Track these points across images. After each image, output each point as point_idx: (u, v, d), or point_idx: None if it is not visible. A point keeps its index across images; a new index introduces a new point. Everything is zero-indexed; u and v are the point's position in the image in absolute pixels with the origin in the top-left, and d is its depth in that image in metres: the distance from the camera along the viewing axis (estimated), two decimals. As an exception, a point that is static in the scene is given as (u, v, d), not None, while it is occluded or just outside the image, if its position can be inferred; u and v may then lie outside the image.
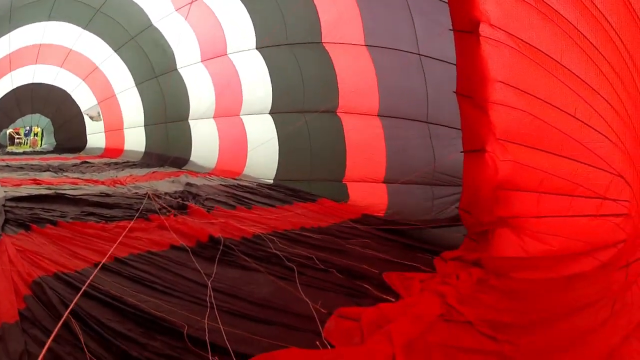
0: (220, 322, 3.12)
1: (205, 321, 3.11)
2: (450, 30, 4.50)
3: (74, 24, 12.48)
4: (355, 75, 7.98)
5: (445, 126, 7.39)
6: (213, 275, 4.07)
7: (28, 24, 11.97)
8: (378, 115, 7.81)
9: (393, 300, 3.66)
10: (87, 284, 3.54)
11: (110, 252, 4.41)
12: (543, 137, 4.40)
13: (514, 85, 4.29)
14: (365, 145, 8.02)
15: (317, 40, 8.23)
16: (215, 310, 3.31)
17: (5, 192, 7.36)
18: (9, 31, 11.76)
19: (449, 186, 7.30)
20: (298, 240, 5.39)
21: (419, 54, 7.43)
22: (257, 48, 9.44)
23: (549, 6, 4.18)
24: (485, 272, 3.98)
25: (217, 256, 4.61)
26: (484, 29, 4.13)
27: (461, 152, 4.65)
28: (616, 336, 2.94)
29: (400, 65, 7.63)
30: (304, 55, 8.68)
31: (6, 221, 5.53)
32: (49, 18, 11.96)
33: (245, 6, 9.23)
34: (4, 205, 6.25)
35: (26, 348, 2.71)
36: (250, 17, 9.29)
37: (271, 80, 9.46)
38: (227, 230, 5.67)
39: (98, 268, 3.95)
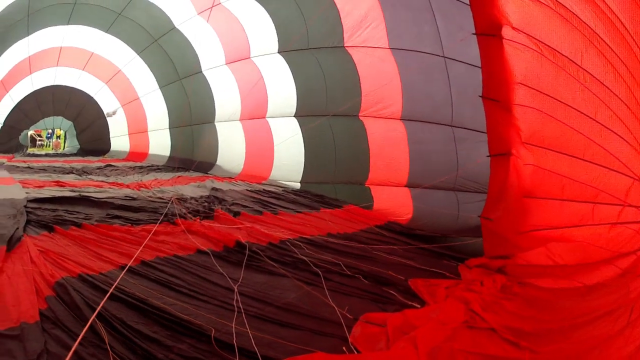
0: (247, 326, 3.19)
1: (233, 325, 3.19)
2: (473, 34, 4.58)
3: (94, 27, 12.74)
4: (379, 79, 8.00)
5: (470, 129, 7.41)
6: (240, 280, 4.13)
7: (47, 27, 12.28)
8: (401, 119, 7.86)
9: (418, 306, 3.76)
10: (114, 285, 3.64)
11: (136, 255, 4.51)
12: (566, 140, 4.45)
13: (537, 88, 4.36)
14: (388, 148, 8.07)
15: (339, 44, 8.33)
16: (243, 314, 3.40)
17: (27, 193, 7.49)
18: (28, 34, 12.06)
19: (473, 193, 7.32)
20: (325, 246, 5.48)
21: (443, 56, 7.44)
22: (279, 52, 9.56)
23: (566, 8, 4.27)
24: (509, 279, 4.08)
25: (244, 261, 4.69)
26: (506, 32, 4.22)
27: (487, 156, 4.70)
28: (632, 344, 3.02)
29: (424, 68, 7.64)
30: (326, 59, 8.79)
31: (28, 222, 5.64)
32: (69, 22, 12.22)
33: (267, 10, 9.37)
34: (25, 207, 6.35)
35: (46, 348, 2.81)
36: (272, 20, 9.44)
37: (295, 84, 9.56)
38: (254, 235, 5.75)
39: (125, 270, 4.07)
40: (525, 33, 4.30)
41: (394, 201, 7.84)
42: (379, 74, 8.02)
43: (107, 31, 12.75)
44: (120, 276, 3.86)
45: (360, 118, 8.29)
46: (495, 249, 4.76)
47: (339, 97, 8.70)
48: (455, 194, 7.40)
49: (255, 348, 2.91)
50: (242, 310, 3.47)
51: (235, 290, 3.86)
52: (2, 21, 10.71)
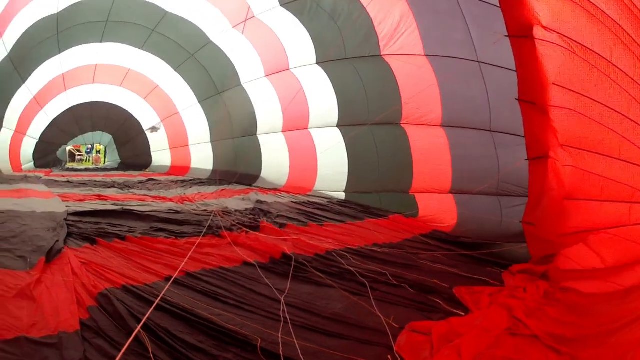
0: (294, 336, 3.29)
1: (279, 335, 3.28)
2: (505, 36, 4.71)
3: (129, 44, 13.10)
4: (417, 86, 8.10)
5: (509, 134, 7.51)
6: (286, 291, 4.25)
7: (79, 45, 12.66)
8: (442, 126, 7.98)
9: (463, 314, 3.85)
10: (161, 295, 3.78)
11: (182, 266, 4.66)
12: (602, 140, 4.53)
13: (570, 87, 4.45)
14: (431, 155, 8.17)
15: (376, 53, 8.45)
16: (289, 325, 3.48)
17: (67, 206, 7.71)
18: (60, 52, 12.42)
19: (516, 197, 7.39)
20: (370, 256, 5.60)
21: (478, 61, 7.56)
22: (317, 63, 9.73)
23: (592, 4, 4.36)
24: (551, 285, 4.14)
25: (291, 272, 4.79)
26: (537, 32, 4.32)
27: (525, 159, 4.81)
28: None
29: (460, 73, 7.75)
30: (364, 68, 8.92)
31: (69, 235, 5.82)
32: (102, 40, 12.62)
33: (301, 21, 9.55)
34: (65, 220, 6.54)
35: (85, 356, 2.93)
36: (308, 31, 9.61)
37: (335, 94, 9.73)
38: (300, 246, 5.88)
39: (171, 281, 4.23)
40: (556, 32, 4.37)
41: (438, 208, 7.96)
42: (417, 81, 8.11)
43: (142, 48, 13.09)
44: (167, 287, 4.04)
45: (402, 126, 8.38)
46: (538, 252, 4.80)
47: (379, 106, 8.82)
48: (498, 199, 7.49)
49: (302, 357, 3.01)
50: (289, 321, 3.55)
51: (282, 300, 3.94)
52: (30, 39, 11.06)
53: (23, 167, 15.52)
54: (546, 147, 4.50)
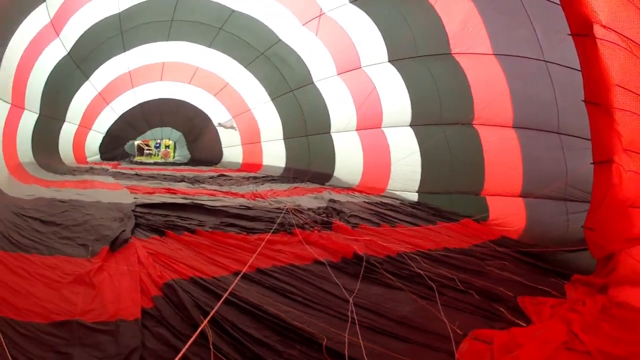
0: (360, 337, 3.43)
1: (346, 335, 3.43)
2: (568, 35, 4.86)
3: (196, 43, 13.60)
4: (488, 86, 8.24)
5: (576, 136, 7.51)
6: (356, 291, 4.38)
7: (145, 43, 13.28)
8: (513, 127, 8.06)
9: (524, 325, 3.95)
10: (230, 288, 3.98)
11: (251, 261, 4.89)
12: None
13: (631, 89, 4.56)
14: (502, 157, 8.27)
15: (446, 52, 8.60)
16: (357, 325, 3.64)
17: (135, 198, 8.20)
18: (125, 50, 13.07)
19: (582, 202, 7.28)
20: (441, 260, 5.73)
21: (544, 60, 7.61)
22: (389, 61, 9.90)
23: None
24: (608, 299, 4.20)
25: (361, 273, 4.95)
26: (597, 31, 4.45)
27: (591, 163, 4.94)
28: None
29: (528, 73, 7.82)
30: (436, 67, 9.07)
31: (137, 226, 6.20)
32: (168, 38, 13.17)
33: (372, 18, 9.74)
34: (133, 211, 6.97)
35: (143, 344, 3.11)
36: (378, 29, 9.80)
37: (408, 93, 9.90)
38: (372, 247, 6.00)
39: (240, 275, 4.43)
40: (615, 31, 4.49)
41: (508, 211, 8.04)
42: (487, 81, 8.25)
43: (209, 46, 13.56)
44: (236, 281, 4.24)
45: (474, 126, 8.52)
46: (599, 257, 4.89)
47: (451, 105, 9.02)
48: (565, 204, 7.54)
49: (366, 359, 3.14)
50: (356, 321, 3.70)
51: (351, 301, 4.09)
52: (92, 38, 11.62)
53: (88, 159, 16.41)
54: (611, 151, 4.57)
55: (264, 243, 5.68)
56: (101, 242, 5.19)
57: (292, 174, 13.90)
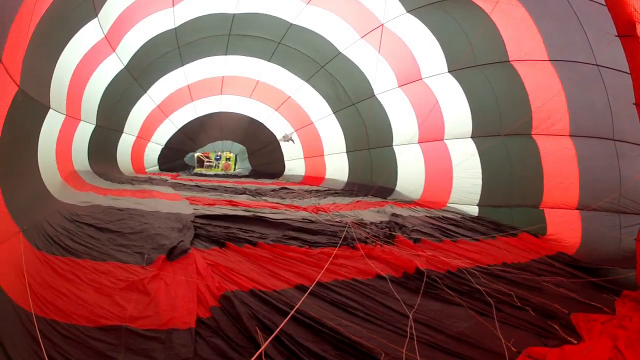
0: (417, 353, 3.54)
1: (404, 351, 3.54)
2: (615, 36, 4.94)
3: (255, 57, 13.88)
4: (545, 93, 8.27)
5: (630, 143, 7.55)
6: (416, 307, 4.51)
7: (203, 57, 13.65)
8: (570, 135, 8.08)
9: (575, 342, 4.08)
10: (297, 307, 4.05)
11: (319, 277, 5.02)
12: None
13: None
14: (560, 168, 8.29)
15: (504, 59, 8.69)
16: (415, 341, 3.75)
17: (195, 209, 8.40)
18: (182, 64, 13.47)
19: (634, 214, 7.38)
20: (499, 276, 5.91)
21: (597, 65, 7.63)
22: (449, 71, 10.03)
23: None
24: None
25: (422, 288, 5.11)
26: None
27: None
28: None
29: (582, 78, 7.84)
30: (494, 76, 9.17)
31: (197, 236, 6.43)
32: (227, 53, 13.49)
33: (430, 29, 9.90)
34: (193, 222, 7.21)
35: (196, 353, 3.27)
36: (436, 39, 9.95)
37: (468, 103, 10.04)
38: (433, 263, 6.16)
39: (308, 292, 4.56)
40: None
41: (564, 225, 8.09)
42: (544, 88, 8.29)
43: (269, 60, 13.86)
44: (303, 298, 4.33)
45: (533, 136, 8.56)
46: None
47: (510, 115, 9.08)
48: (619, 217, 7.54)
49: None
50: (414, 337, 3.80)
51: (410, 316, 4.20)
52: (149, 53, 12.07)
53: (147, 169, 16.87)
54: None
55: (330, 259, 5.82)
56: (158, 251, 5.47)
57: (357, 188, 14.19)
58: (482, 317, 4.49)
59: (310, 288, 4.67)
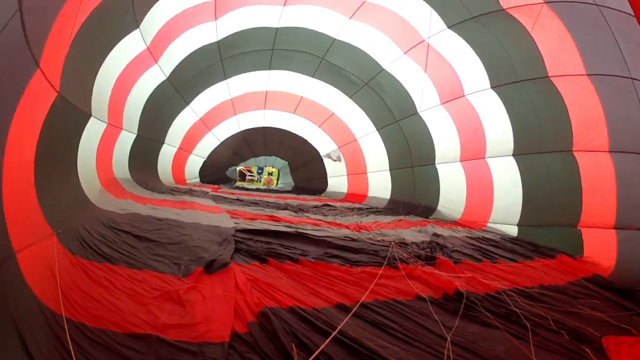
0: None
1: None
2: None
3: (299, 72, 14.07)
4: (584, 109, 8.31)
5: None
6: (454, 329, 4.50)
7: (246, 72, 13.90)
8: (609, 151, 8.03)
9: None
10: (339, 327, 4.04)
11: (363, 298, 4.99)
12: None
13: None
14: (599, 186, 8.27)
15: (544, 75, 8.73)
16: None
17: (235, 223, 8.46)
18: (225, 78, 13.76)
19: None
20: (536, 298, 5.90)
21: (631, 78, 7.63)
22: (491, 87, 10.09)
23: None
24: None
25: (461, 310, 5.11)
26: None
27: None
28: None
29: (618, 92, 7.80)
30: (534, 92, 9.19)
31: (237, 251, 6.48)
32: (270, 67, 13.70)
33: (471, 45, 9.99)
34: (233, 236, 7.28)
35: None
36: (479, 56, 10.03)
37: (509, 120, 10.07)
38: (473, 284, 6.20)
39: (352, 313, 4.54)
40: None
41: (601, 245, 8.04)
42: (583, 103, 8.31)
43: (313, 76, 14.05)
44: (347, 319, 4.32)
45: (574, 153, 8.56)
46: None
47: (551, 132, 9.10)
48: None
49: None
50: None
51: (448, 339, 4.20)
52: (192, 65, 12.29)
53: (187, 181, 17.06)
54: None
55: (376, 280, 5.84)
56: (196, 263, 5.54)
57: (401, 207, 14.07)
58: (519, 340, 4.49)
59: (354, 309, 4.68)
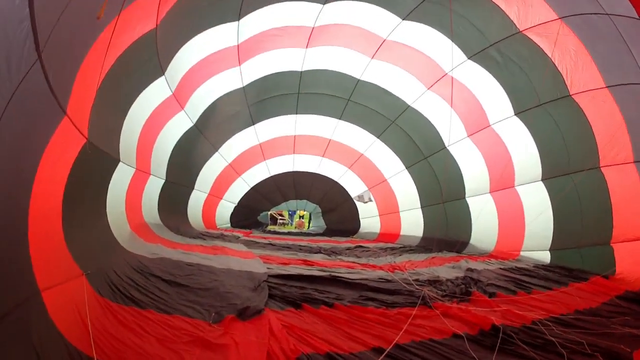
0: None
1: None
2: None
3: (326, 115, 14.24)
4: (606, 122, 8.39)
5: None
6: None
7: (274, 117, 14.12)
8: (634, 162, 8.04)
9: None
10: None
11: (397, 339, 4.87)
12: None
13: None
14: (628, 197, 8.29)
15: (565, 94, 8.82)
16: None
17: (268, 268, 8.34)
18: (253, 123, 13.96)
19: None
20: (571, 325, 5.86)
21: None
22: (515, 114, 10.21)
23: None
24: None
25: (497, 346, 4.96)
26: None
27: None
28: None
29: (637, 100, 7.86)
30: (557, 113, 9.31)
31: (271, 297, 6.37)
32: (297, 111, 13.87)
33: (491, 73, 10.10)
34: (266, 281, 7.21)
35: None
36: (500, 84, 10.15)
37: (536, 145, 10.16)
38: (508, 317, 6.09)
39: (385, 354, 4.46)
40: None
41: (633, 258, 8.08)
42: (605, 118, 8.42)
43: (340, 118, 14.20)
44: (383, 356, 4.31)
45: (601, 169, 8.61)
46: None
47: (578, 151, 9.21)
48: None
49: None
50: None
51: None
52: (218, 111, 12.43)
53: (218, 226, 17.02)
54: None
55: (409, 320, 5.70)
56: (228, 310, 5.45)
57: (434, 244, 13.91)
58: None
59: (387, 350, 4.58)
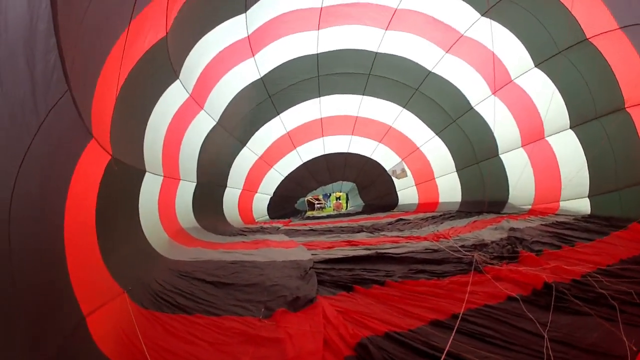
0: None
1: None
2: None
3: (349, 93, 14.37)
4: (627, 63, 8.35)
5: None
6: (548, 325, 4.37)
7: (298, 103, 14.17)
8: None
9: None
10: (446, 349, 3.87)
11: (462, 311, 4.83)
12: None
13: None
14: None
15: (582, 38, 8.88)
16: None
17: (313, 254, 8.26)
18: (278, 113, 14.09)
19: None
20: (618, 275, 5.84)
21: None
22: (536, 66, 10.35)
23: None
24: None
25: (552, 304, 4.95)
26: None
27: None
28: None
29: None
30: (577, 59, 9.33)
31: (321, 283, 6.29)
32: (320, 94, 13.98)
33: (507, 27, 10.23)
34: (314, 268, 7.10)
35: None
36: (516, 36, 10.29)
37: (560, 94, 10.27)
38: (558, 273, 6.04)
39: (455, 330, 4.36)
40: None
41: None
42: (623, 58, 8.38)
43: (363, 93, 14.24)
44: (451, 338, 4.15)
45: (627, 110, 8.66)
46: None
47: (602, 94, 9.25)
48: None
49: None
50: (552, 358, 3.71)
51: (545, 337, 4.08)
52: (241, 106, 12.54)
53: (257, 219, 17.06)
54: None
55: (468, 290, 5.65)
56: (277, 303, 5.38)
57: (475, 207, 14.21)
58: (609, 322, 4.42)
59: (456, 326, 4.47)
